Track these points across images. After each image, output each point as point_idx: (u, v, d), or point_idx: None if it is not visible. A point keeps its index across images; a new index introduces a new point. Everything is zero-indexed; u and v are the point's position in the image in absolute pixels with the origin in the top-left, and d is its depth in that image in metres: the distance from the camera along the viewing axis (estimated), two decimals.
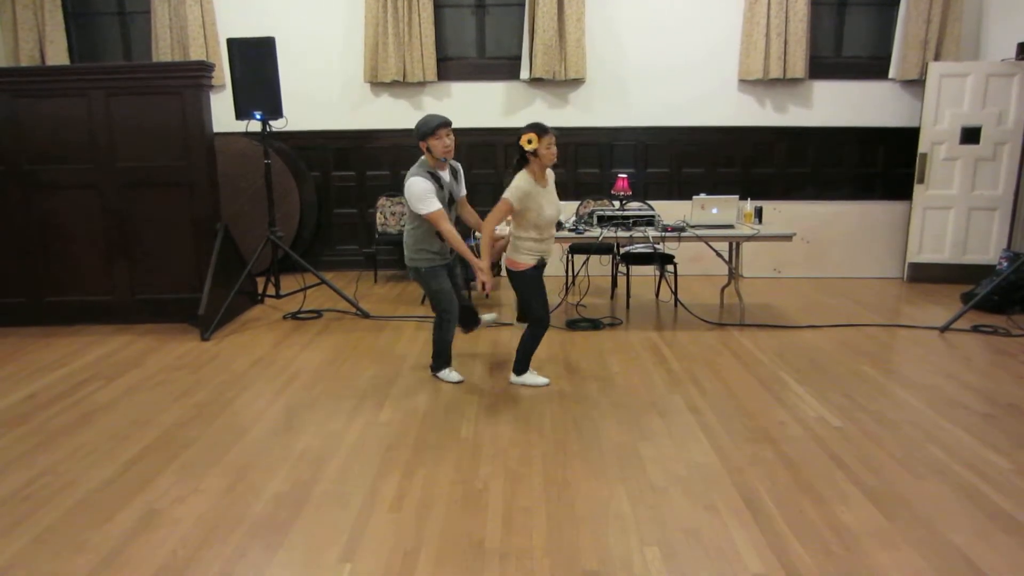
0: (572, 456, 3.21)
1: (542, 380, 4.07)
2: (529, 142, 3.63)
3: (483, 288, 3.79)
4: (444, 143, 3.76)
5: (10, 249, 5.35)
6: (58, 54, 6.97)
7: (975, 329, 5.11)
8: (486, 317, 4.82)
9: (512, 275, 3.87)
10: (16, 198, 5.28)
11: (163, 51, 6.89)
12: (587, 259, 6.02)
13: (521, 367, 4.06)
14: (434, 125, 3.74)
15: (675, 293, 5.81)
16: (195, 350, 4.83)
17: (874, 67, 6.96)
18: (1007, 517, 2.69)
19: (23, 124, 5.19)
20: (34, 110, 5.18)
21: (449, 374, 4.16)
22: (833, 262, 6.94)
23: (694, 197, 5.37)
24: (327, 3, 6.96)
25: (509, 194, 3.69)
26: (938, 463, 3.13)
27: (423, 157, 3.88)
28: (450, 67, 7.09)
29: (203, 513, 2.78)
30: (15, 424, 3.65)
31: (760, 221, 5.55)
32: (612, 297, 6.22)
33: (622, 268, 6.03)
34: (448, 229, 3.78)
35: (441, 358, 4.17)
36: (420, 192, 3.74)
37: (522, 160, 3.74)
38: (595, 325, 5.26)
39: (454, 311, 4.04)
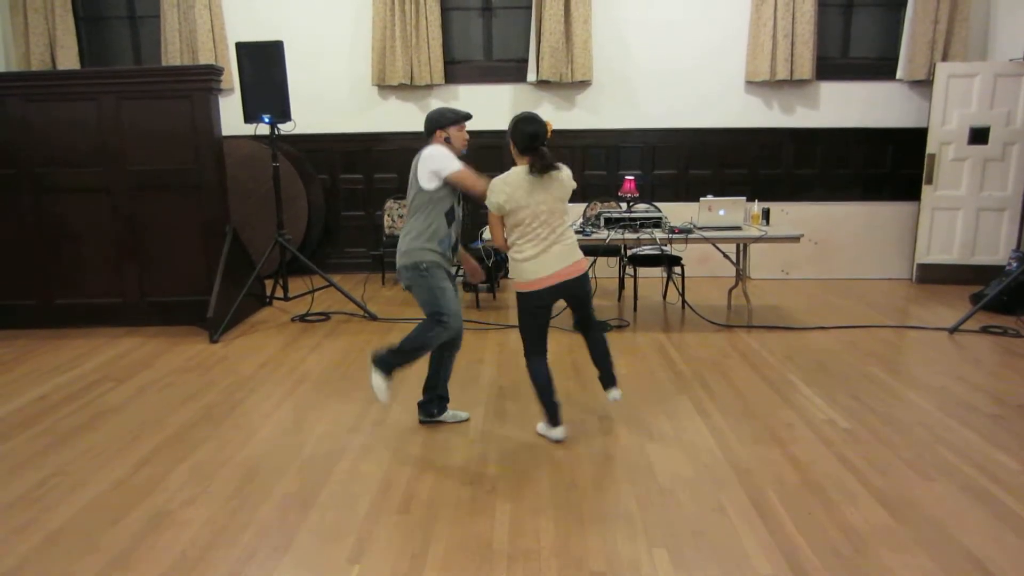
0: (579, 458, 3.21)
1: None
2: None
3: (473, 276, 3.58)
4: (464, 135, 3.52)
5: (22, 252, 5.39)
6: (69, 58, 7.03)
7: (984, 330, 5.09)
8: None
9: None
10: (27, 201, 5.33)
11: (172, 55, 6.94)
12: (594, 261, 6.00)
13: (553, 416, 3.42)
14: (462, 115, 3.47)
15: (682, 295, 5.80)
16: (204, 352, 4.86)
17: (881, 68, 6.94)
18: (1017, 518, 2.68)
19: (34, 128, 5.24)
20: (45, 114, 5.22)
21: (456, 414, 3.63)
22: (841, 263, 6.92)
23: (701, 199, 5.36)
24: (335, 7, 6.99)
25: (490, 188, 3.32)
26: (947, 465, 3.11)
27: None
28: (457, 70, 7.11)
29: (212, 514, 2.79)
30: (26, 425, 3.68)
31: (767, 222, 5.54)
32: (619, 299, 6.22)
33: (629, 270, 6.03)
34: (478, 181, 3.30)
35: (436, 387, 3.56)
36: (444, 153, 3.31)
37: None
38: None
39: (457, 316, 3.42)
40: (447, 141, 3.43)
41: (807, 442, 3.34)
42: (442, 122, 3.43)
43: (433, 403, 3.61)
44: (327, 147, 7.23)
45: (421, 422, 3.65)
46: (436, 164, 3.29)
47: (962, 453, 3.22)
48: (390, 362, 3.40)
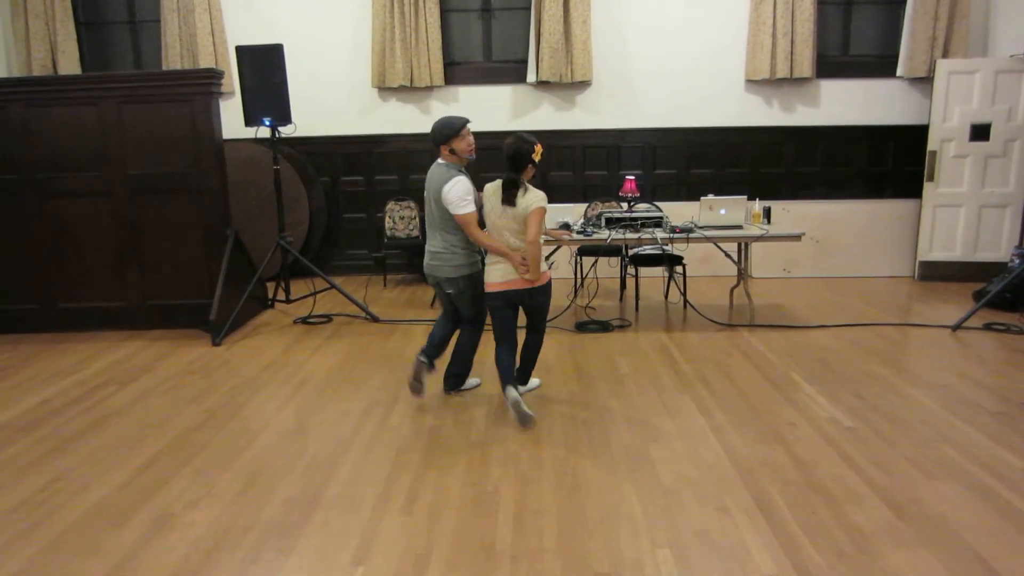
0: (582, 458, 3.21)
1: (535, 381, 4.09)
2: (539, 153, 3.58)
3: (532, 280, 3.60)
4: (468, 141, 3.63)
5: (24, 256, 5.40)
6: (70, 63, 7.04)
7: (987, 327, 5.08)
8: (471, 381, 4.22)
9: (545, 290, 3.69)
10: (29, 206, 5.34)
11: (173, 59, 6.95)
12: (596, 261, 6.02)
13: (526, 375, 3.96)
14: (459, 126, 3.59)
15: (684, 294, 5.79)
16: (206, 355, 4.86)
17: (882, 65, 6.93)
18: (1021, 516, 2.68)
19: (36, 133, 5.25)
20: (47, 119, 5.23)
21: (471, 380, 4.14)
22: (843, 261, 6.91)
23: (702, 198, 5.35)
24: (334, 10, 6.99)
25: (542, 201, 3.53)
26: (951, 462, 3.11)
27: (442, 160, 3.66)
28: (457, 71, 7.11)
29: (215, 517, 2.79)
30: (30, 429, 3.69)
31: (769, 221, 5.53)
32: (621, 299, 6.22)
33: (631, 270, 6.03)
34: (479, 233, 3.59)
35: (467, 367, 4.05)
36: (462, 191, 3.54)
37: (517, 170, 3.52)
38: (604, 327, 5.26)
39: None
40: (452, 153, 3.61)
41: (810, 441, 3.34)
42: (441, 138, 3.62)
43: (461, 375, 4.03)
44: (328, 149, 7.24)
45: (448, 391, 4.03)
46: (455, 202, 3.55)
47: (966, 451, 3.21)
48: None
